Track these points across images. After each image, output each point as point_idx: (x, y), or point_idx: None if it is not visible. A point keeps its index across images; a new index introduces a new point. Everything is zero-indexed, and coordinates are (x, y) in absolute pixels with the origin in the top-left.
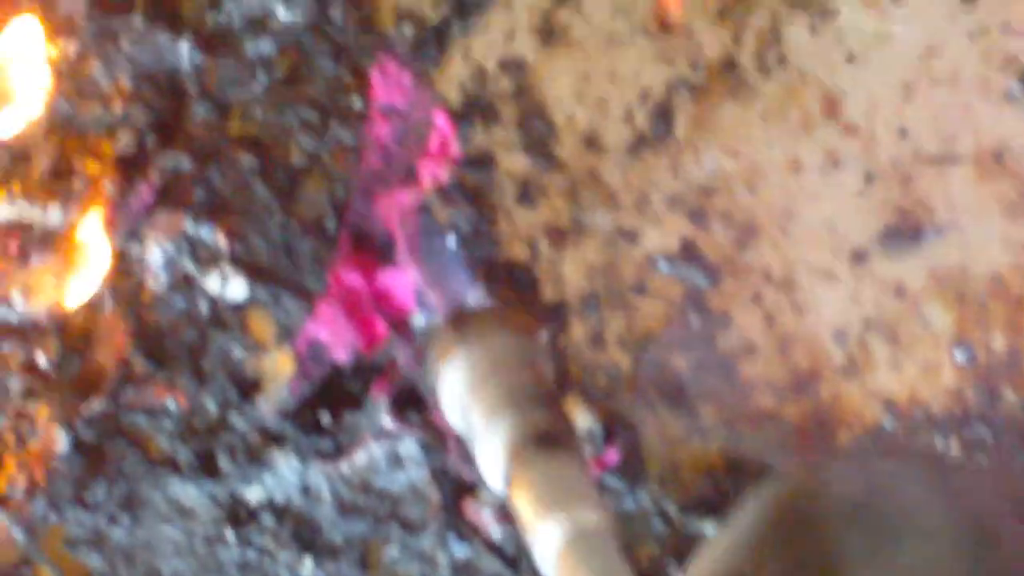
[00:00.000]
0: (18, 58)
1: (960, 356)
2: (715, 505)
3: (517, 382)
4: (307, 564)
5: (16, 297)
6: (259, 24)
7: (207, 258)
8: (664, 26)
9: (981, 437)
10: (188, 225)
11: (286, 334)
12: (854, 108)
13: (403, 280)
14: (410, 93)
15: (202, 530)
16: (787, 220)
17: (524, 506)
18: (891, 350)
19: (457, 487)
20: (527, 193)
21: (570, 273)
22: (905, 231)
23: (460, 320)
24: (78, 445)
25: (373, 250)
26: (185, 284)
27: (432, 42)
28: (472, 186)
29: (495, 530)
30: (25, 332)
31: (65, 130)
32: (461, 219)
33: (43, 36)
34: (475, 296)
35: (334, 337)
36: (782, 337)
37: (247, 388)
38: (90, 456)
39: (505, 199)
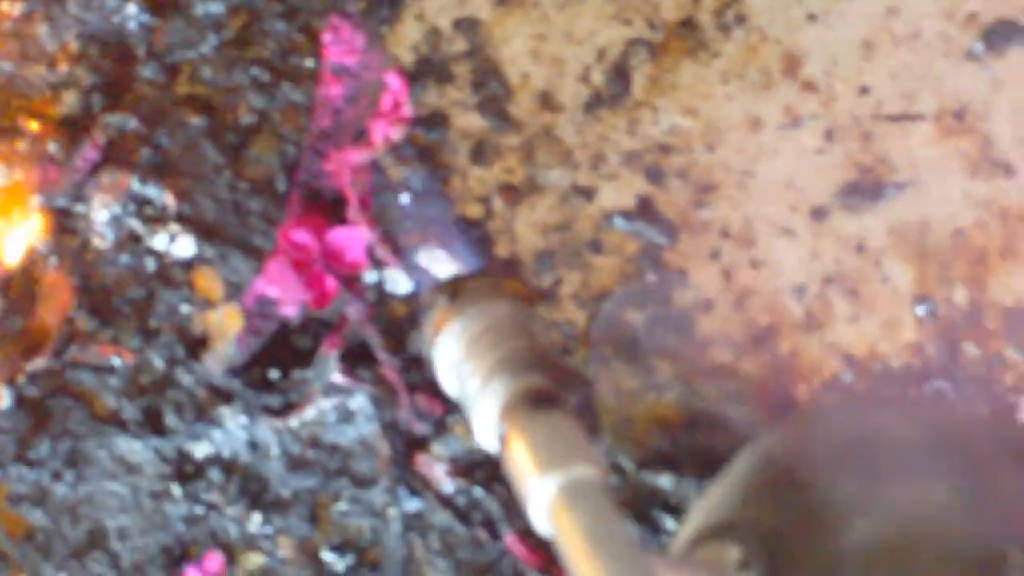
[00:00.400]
0: None
1: (921, 311)
2: (670, 460)
3: (512, 347)
4: (255, 519)
5: None
6: None
7: (154, 217)
8: None
9: (942, 391)
10: (135, 184)
11: (234, 291)
12: (814, 66)
13: (354, 238)
14: (362, 53)
15: (148, 485)
16: (746, 178)
17: (518, 464)
18: (851, 305)
19: (408, 441)
20: (481, 152)
21: (524, 231)
22: (865, 188)
23: (455, 288)
24: (21, 402)
25: (324, 209)
26: (131, 242)
27: (385, 2)
28: (425, 145)
29: (447, 484)
30: None
31: (8, 90)
32: (414, 178)
33: None
34: (430, 254)
35: (283, 293)
36: (740, 293)
37: (194, 345)
38: (33, 413)
39: (459, 158)
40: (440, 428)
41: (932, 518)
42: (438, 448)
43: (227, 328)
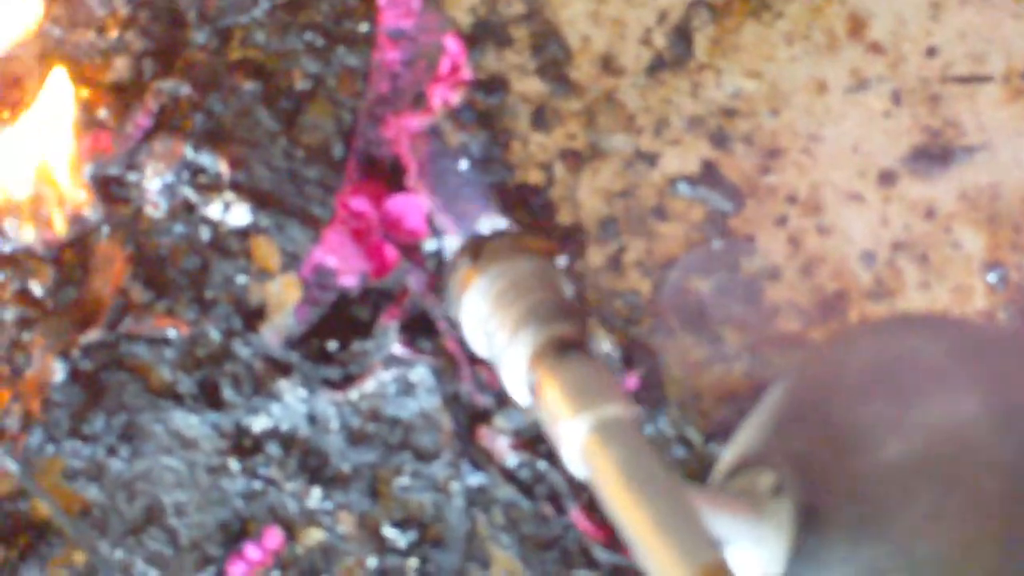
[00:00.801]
0: None
1: (992, 278)
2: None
3: (537, 300)
4: (315, 494)
5: (8, 226)
6: None
7: (208, 185)
8: None
9: None
10: (188, 152)
11: (292, 261)
12: (880, 27)
13: (413, 205)
14: (418, 16)
15: (205, 461)
16: (812, 142)
17: (550, 409)
18: (921, 272)
19: (471, 414)
20: (542, 117)
21: (587, 198)
22: (934, 152)
23: (477, 248)
24: (75, 375)
25: (382, 176)
26: (185, 211)
27: None
28: (484, 110)
29: (510, 458)
30: (19, 261)
31: (58, 56)
32: (473, 144)
33: None
34: (490, 221)
35: (342, 263)
36: (808, 260)
37: (251, 316)
38: (88, 387)
39: (519, 123)
40: (503, 400)
41: (963, 432)
42: (501, 421)
43: (285, 299)
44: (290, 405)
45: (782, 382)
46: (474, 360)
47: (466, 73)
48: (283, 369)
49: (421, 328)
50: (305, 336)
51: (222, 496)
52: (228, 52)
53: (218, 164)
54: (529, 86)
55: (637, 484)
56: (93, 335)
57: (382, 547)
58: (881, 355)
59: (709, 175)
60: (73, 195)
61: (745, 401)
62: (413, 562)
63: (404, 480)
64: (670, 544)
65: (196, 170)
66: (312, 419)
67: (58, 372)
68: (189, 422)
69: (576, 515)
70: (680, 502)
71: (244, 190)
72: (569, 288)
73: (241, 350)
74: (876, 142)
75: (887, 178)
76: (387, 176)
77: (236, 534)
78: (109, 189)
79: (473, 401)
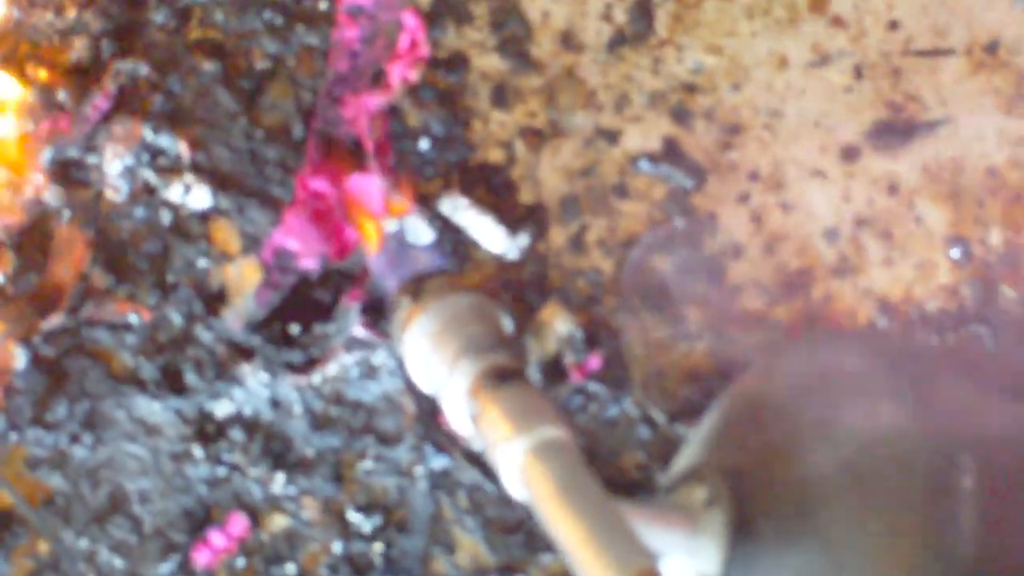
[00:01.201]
0: None
1: (956, 253)
2: (701, 410)
3: (475, 332)
4: (279, 479)
5: None
6: None
7: (168, 167)
8: None
9: (978, 335)
10: (147, 134)
11: (252, 243)
12: (842, 1)
13: (374, 186)
14: None
15: (169, 447)
16: (774, 118)
17: (490, 435)
18: (884, 248)
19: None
20: (502, 94)
21: (548, 176)
22: (897, 126)
23: (416, 287)
24: (37, 362)
25: (342, 156)
26: (146, 194)
27: None
28: (445, 88)
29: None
30: None
31: (16, 37)
32: (433, 122)
33: None
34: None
35: (302, 245)
36: (771, 237)
37: (212, 300)
38: (50, 373)
39: (479, 101)
40: None
41: (884, 439)
42: None
43: (245, 282)
44: (253, 389)
45: (719, 400)
46: None
47: (425, 50)
48: (245, 353)
49: (383, 310)
50: (267, 320)
51: (186, 483)
52: (187, 32)
53: (178, 146)
54: (489, 63)
55: (572, 500)
56: (54, 321)
57: (347, 532)
58: (806, 370)
59: (670, 152)
60: (31, 179)
61: (709, 380)
62: (378, 546)
63: (368, 464)
64: (604, 555)
65: (156, 152)
66: (275, 403)
67: (19, 359)
68: (152, 408)
69: None
70: (614, 516)
71: (204, 172)
72: (508, 321)
73: (203, 334)
74: (838, 117)
75: (849, 153)
76: (347, 156)
77: (200, 521)
78: (68, 172)
79: None
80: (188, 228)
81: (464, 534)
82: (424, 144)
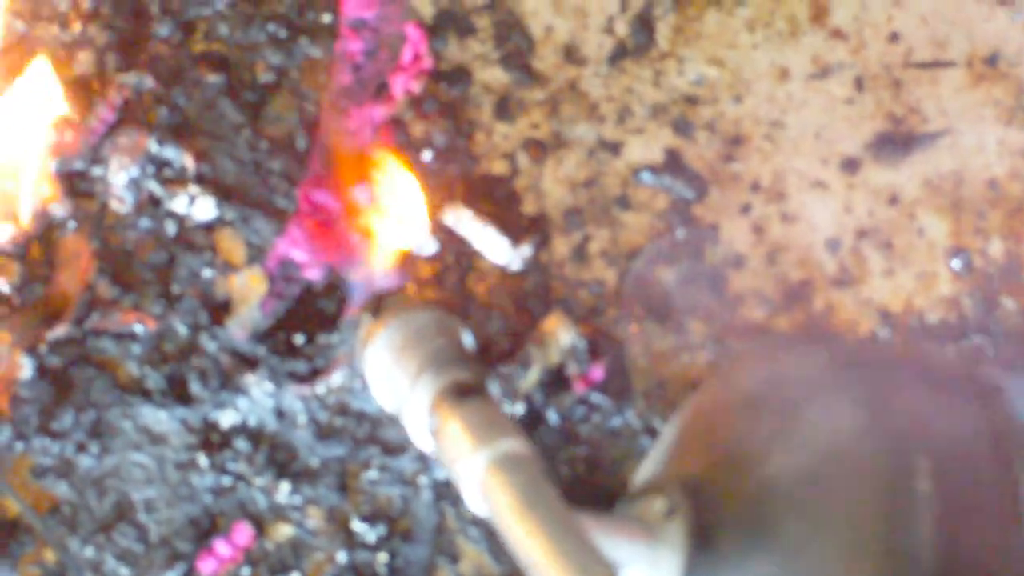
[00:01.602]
0: None
1: (956, 264)
2: None
3: (436, 347)
4: (283, 488)
5: None
6: None
7: (173, 179)
8: None
9: (979, 346)
10: (152, 146)
11: (257, 254)
12: (843, 13)
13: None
14: (380, 6)
15: (174, 456)
16: (775, 129)
17: (450, 449)
18: (885, 259)
19: None
20: (505, 107)
21: (551, 188)
22: (897, 138)
23: (377, 304)
24: (43, 372)
25: (346, 167)
26: (151, 205)
27: None
28: (448, 100)
29: None
30: None
31: (21, 50)
32: (436, 134)
33: None
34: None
35: (307, 256)
36: (772, 248)
37: (217, 310)
38: (56, 383)
39: (482, 113)
40: None
41: (841, 446)
42: None
43: (250, 292)
44: (257, 399)
45: (678, 412)
46: None
47: (428, 63)
48: (250, 363)
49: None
50: (271, 330)
51: (191, 492)
52: (191, 45)
53: (183, 157)
54: (492, 76)
55: (533, 513)
56: (60, 331)
57: (351, 542)
58: (763, 379)
59: (672, 163)
60: (41, 190)
61: None
62: (383, 556)
63: (372, 474)
64: (565, 567)
65: (161, 164)
66: (280, 413)
67: (26, 369)
68: (158, 417)
69: None
70: (574, 528)
71: (209, 183)
72: (468, 336)
73: (208, 344)
74: (839, 129)
75: (850, 165)
76: (351, 167)
77: (206, 530)
78: (74, 184)
79: None
80: (193, 239)
81: (468, 544)
82: (427, 156)
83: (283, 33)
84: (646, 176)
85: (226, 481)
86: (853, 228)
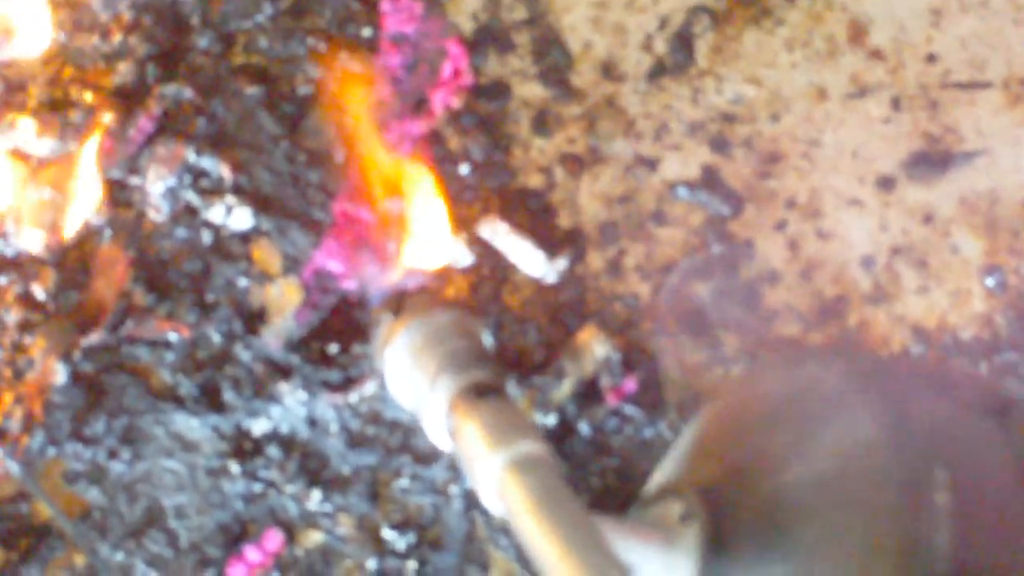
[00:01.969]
0: None
1: (990, 282)
2: None
3: (455, 347)
4: (314, 496)
5: (12, 229)
6: None
7: (210, 189)
8: None
9: (1012, 362)
10: (190, 156)
11: (292, 264)
12: (881, 34)
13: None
14: (421, 22)
15: (206, 463)
16: (812, 147)
17: (468, 450)
18: (920, 276)
19: None
20: (543, 122)
21: (587, 202)
22: (933, 157)
23: (398, 303)
24: (76, 378)
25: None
26: (187, 215)
27: None
28: (486, 115)
29: None
30: (22, 264)
31: (61, 61)
32: (474, 148)
33: None
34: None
35: (342, 267)
36: (807, 264)
37: (252, 319)
38: (89, 389)
39: (520, 128)
40: None
41: (858, 453)
42: None
43: (285, 302)
44: (290, 408)
45: (695, 418)
46: None
47: (468, 78)
48: (283, 372)
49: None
50: (305, 339)
51: (222, 498)
52: (231, 57)
53: (220, 168)
54: (530, 91)
55: (549, 514)
56: (94, 338)
57: (381, 549)
58: (782, 387)
59: (709, 180)
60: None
61: None
62: (412, 564)
63: (403, 482)
64: (580, 569)
65: (198, 174)
66: (312, 422)
67: (59, 375)
68: (190, 424)
69: None
70: (590, 530)
71: (246, 194)
72: (487, 336)
73: (242, 353)
74: (875, 148)
75: (886, 183)
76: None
77: (236, 536)
78: (112, 193)
79: None
80: (229, 248)
81: (498, 552)
82: (465, 169)
83: (323, 47)
84: (682, 192)
85: (257, 488)
86: (888, 246)
